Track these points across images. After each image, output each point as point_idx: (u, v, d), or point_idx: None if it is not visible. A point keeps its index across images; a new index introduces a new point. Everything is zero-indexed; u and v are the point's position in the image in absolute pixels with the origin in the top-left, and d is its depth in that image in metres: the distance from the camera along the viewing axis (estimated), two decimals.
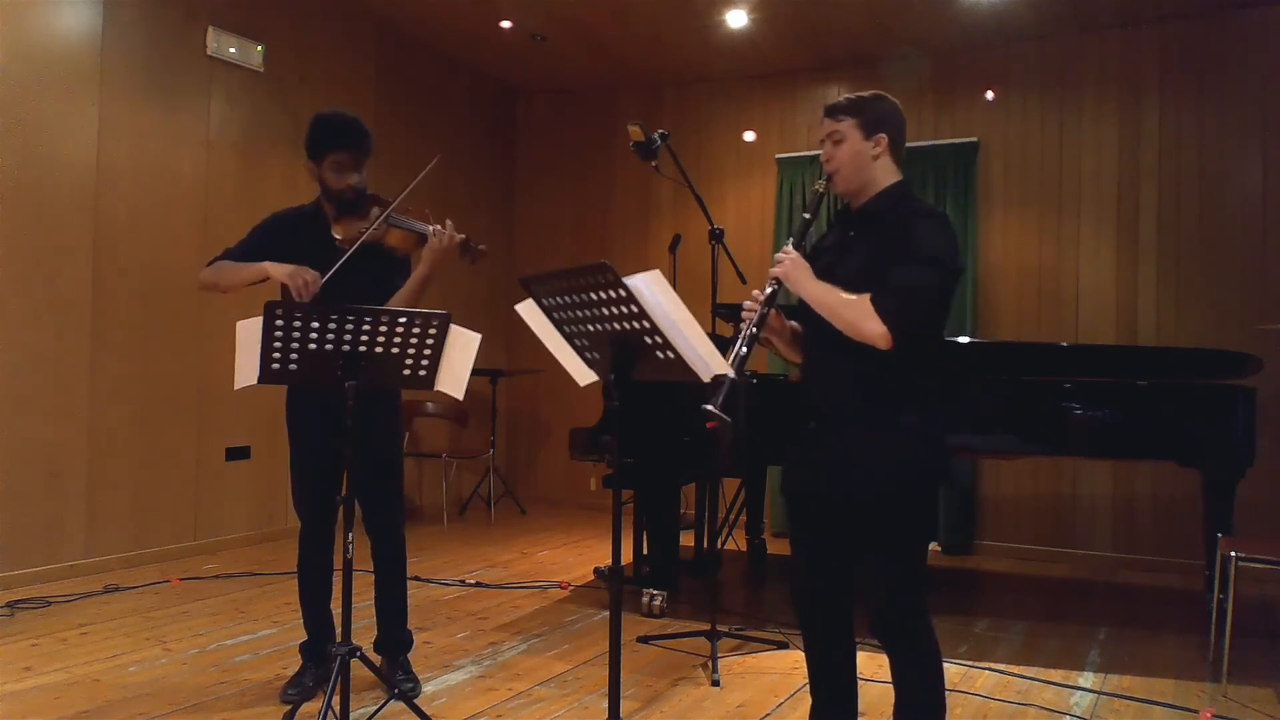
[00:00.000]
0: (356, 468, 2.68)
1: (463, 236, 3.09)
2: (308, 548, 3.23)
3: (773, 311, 2.33)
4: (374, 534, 3.29)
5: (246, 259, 3.12)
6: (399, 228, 3.08)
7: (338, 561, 2.80)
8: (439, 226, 3.06)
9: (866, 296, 2.15)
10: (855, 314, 2.15)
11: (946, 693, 2.27)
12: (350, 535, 2.59)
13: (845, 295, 2.19)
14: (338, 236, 3.07)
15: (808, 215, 2.35)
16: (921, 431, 2.25)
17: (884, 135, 2.30)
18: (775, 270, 2.27)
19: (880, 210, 2.30)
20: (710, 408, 2.15)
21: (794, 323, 2.40)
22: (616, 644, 2.24)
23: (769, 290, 2.28)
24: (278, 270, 2.97)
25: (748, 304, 2.30)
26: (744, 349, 2.23)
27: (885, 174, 2.32)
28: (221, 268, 3.12)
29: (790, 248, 2.30)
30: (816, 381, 2.37)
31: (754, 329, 2.26)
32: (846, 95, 2.36)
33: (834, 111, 2.33)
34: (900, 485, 2.21)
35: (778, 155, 6.77)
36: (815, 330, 2.29)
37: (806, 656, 2.45)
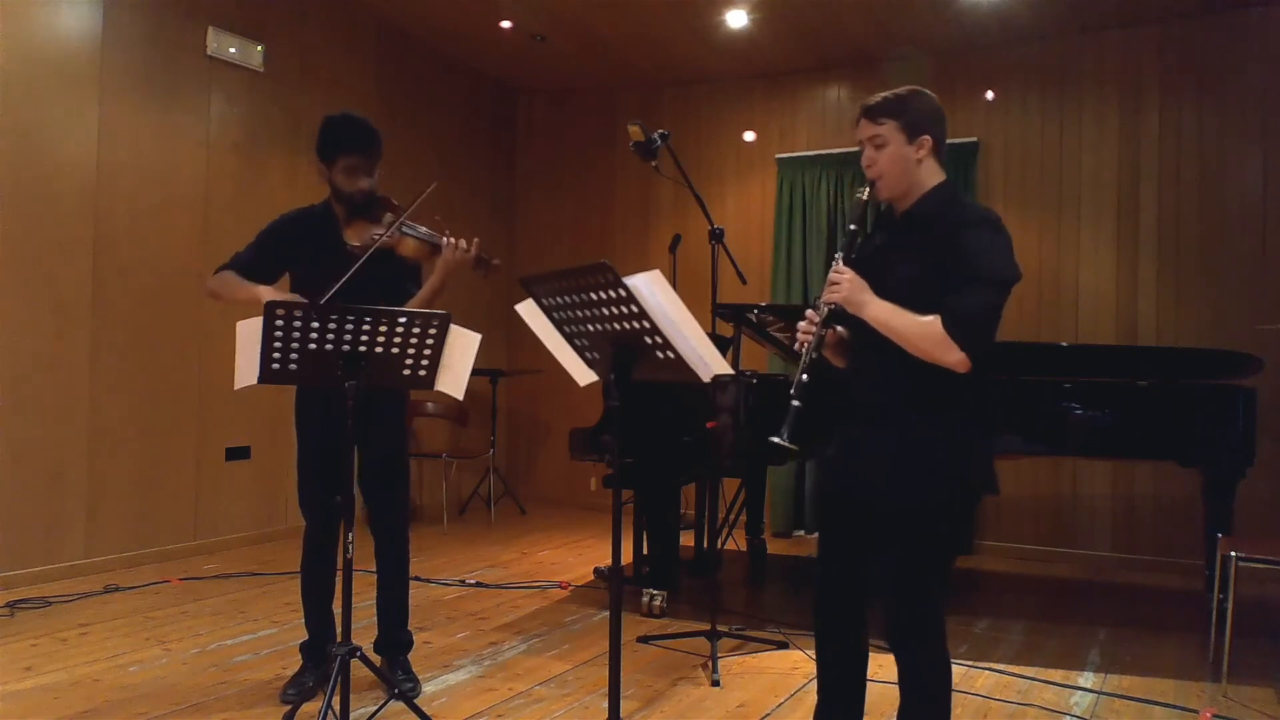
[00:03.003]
0: (356, 467, 2.68)
1: (475, 244, 3.08)
2: (312, 547, 3.23)
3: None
4: (378, 534, 3.29)
5: (255, 265, 3.13)
6: (413, 237, 3.07)
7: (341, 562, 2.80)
8: (453, 239, 3.05)
9: (937, 320, 2.10)
10: (930, 342, 2.10)
11: None
12: (351, 535, 2.59)
13: (914, 318, 2.12)
14: (351, 242, 3.06)
15: (854, 227, 2.27)
16: (973, 440, 2.22)
17: (928, 137, 2.22)
18: (835, 295, 2.18)
19: (927, 215, 2.22)
20: (779, 440, 2.13)
21: (840, 329, 2.33)
22: (616, 644, 2.24)
23: (825, 311, 2.20)
24: (270, 298, 2.94)
25: (803, 325, 2.23)
26: (804, 375, 2.17)
27: (930, 176, 2.24)
28: (224, 280, 3.12)
29: (844, 266, 2.21)
30: (865, 384, 2.31)
31: (814, 354, 2.20)
32: (885, 94, 2.25)
33: (874, 113, 2.23)
34: (948, 493, 2.18)
35: (778, 155, 6.77)
36: (864, 333, 2.23)
37: (819, 655, 2.43)
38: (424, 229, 3.09)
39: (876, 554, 2.26)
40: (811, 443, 2.33)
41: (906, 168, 2.23)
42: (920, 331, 2.12)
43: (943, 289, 2.13)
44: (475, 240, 3.10)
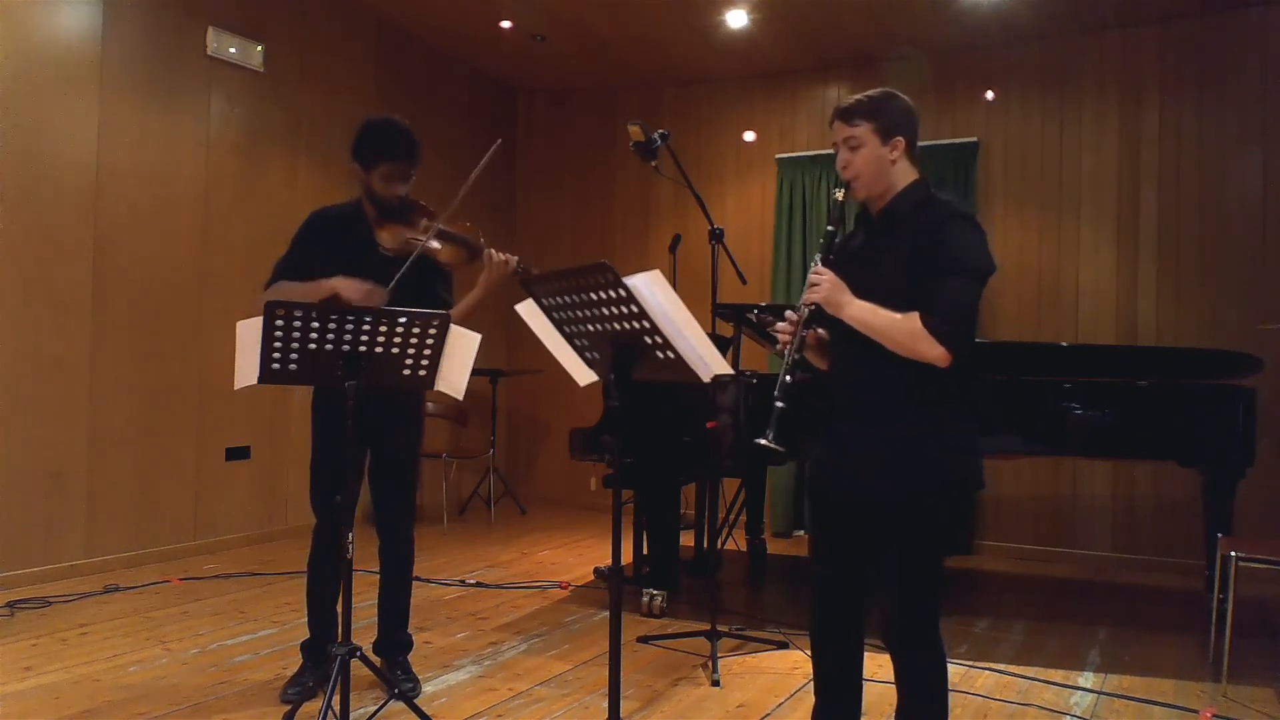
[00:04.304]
0: (358, 468, 2.68)
1: (516, 259, 3.05)
2: (321, 545, 3.21)
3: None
4: (383, 534, 3.30)
5: (298, 271, 3.06)
6: (452, 243, 3.06)
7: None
8: (495, 252, 3.03)
9: (916, 317, 2.11)
10: (910, 339, 2.12)
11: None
12: (351, 535, 2.59)
13: (892, 316, 2.14)
14: (384, 245, 3.06)
15: (831, 228, 2.29)
16: (960, 435, 2.23)
17: (901, 139, 2.25)
18: (814, 295, 2.20)
19: (903, 212, 2.25)
20: (764, 441, 2.15)
21: (820, 330, 2.34)
22: (616, 644, 2.24)
23: (805, 313, 2.22)
24: (351, 291, 2.87)
25: (782, 326, 2.25)
26: (787, 377, 2.19)
27: (903, 175, 2.28)
28: (284, 291, 2.96)
29: (822, 267, 2.23)
30: (849, 383, 2.31)
31: (796, 355, 2.21)
32: (858, 96, 2.28)
33: (848, 115, 2.26)
34: (939, 489, 2.19)
35: (778, 155, 6.77)
36: (844, 332, 2.24)
37: (816, 656, 2.43)
38: (460, 234, 3.09)
39: (873, 553, 2.26)
40: (800, 443, 2.34)
41: (882, 168, 2.26)
42: (900, 328, 2.14)
43: (921, 284, 2.14)
44: (516, 258, 3.07)
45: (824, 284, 2.20)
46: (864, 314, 2.17)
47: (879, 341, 2.16)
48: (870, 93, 2.29)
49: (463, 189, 2.91)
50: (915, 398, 2.19)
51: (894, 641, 2.24)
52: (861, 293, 2.19)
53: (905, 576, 2.21)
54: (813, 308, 2.22)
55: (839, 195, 2.30)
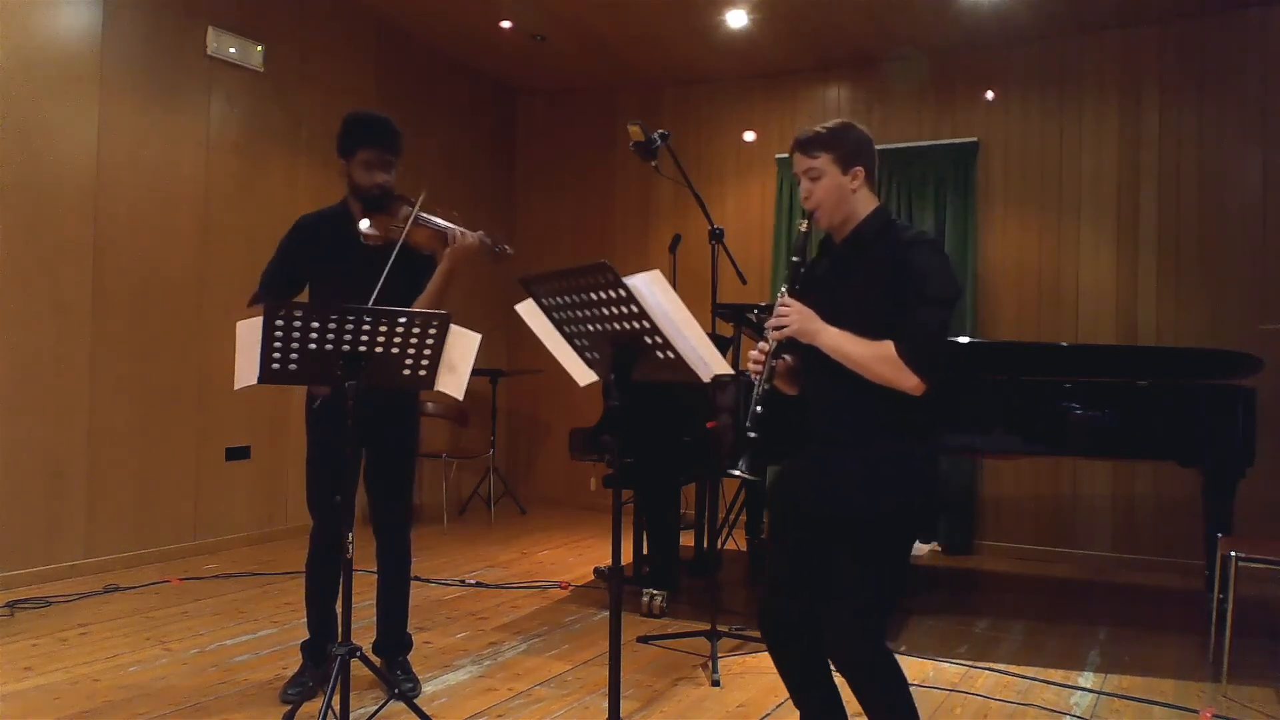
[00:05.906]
0: (356, 468, 2.68)
1: (482, 236, 3.10)
2: (319, 545, 3.21)
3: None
4: (380, 535, 3.29)
5: (280, 277, 3.20)
6: (423, 226, 3.09)
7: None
8: (461, 229, 3.07)
9: (889, 345, 2.13)
10: (885, 366, 2.13)
11: (947, 693, 2.25)
12: (350, 535, 2.59)
13: (867, 344, 2.16)
14: (362, 229, 3.06)
15: (796, 259, 2.34)
16: (924, 455, 2.25)
17: (860, 168, 2.29)
18: (785, 330, 2.22)
19: (865, 240, 2.30)
20: (738, 472, 2.19)
21: (786, 357, 2.36)
22: (616, 644, 2.24)
23: (774, 343, 2.25)
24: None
25: (754, 355, 2.27)
26: (758, 407, 2.22)
27: (864, 204, 2.31)
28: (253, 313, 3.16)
29: (789, 298, 2.26)
30: (823, 408, 2.33)
31: (766, 385, 2.24)
32: (816, 128, 2.33)
33: (808, 147, 2.30)
34: (901, 507, 2.20)
35: (778, 155, 6.77)
36: (817, 360, 2.26)
37: (782, 668, 2.41)
38: (439, 220, 3.10)
39: (829, 570, 2.26)
40: (777, 463, 2.36)
41: (843, 197, 2.30)
42: (875, 355, 2.16)
43: (888, 309, 2.17)
44: (479, 232, 3.13)
45: (793, 315, 2.23)
46: (838, 341, 2.20)
47: (853, 369, 2.18)
48: (828, 124, 2.34)
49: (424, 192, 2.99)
50: (889, 421, 2.21)
51: (847, 656, 2.21)
52: (829, 318, 2.22)
53: (869, 587, 2.19)
54: (782, 341, 2.25)
55: (802, 226, 2.35)
